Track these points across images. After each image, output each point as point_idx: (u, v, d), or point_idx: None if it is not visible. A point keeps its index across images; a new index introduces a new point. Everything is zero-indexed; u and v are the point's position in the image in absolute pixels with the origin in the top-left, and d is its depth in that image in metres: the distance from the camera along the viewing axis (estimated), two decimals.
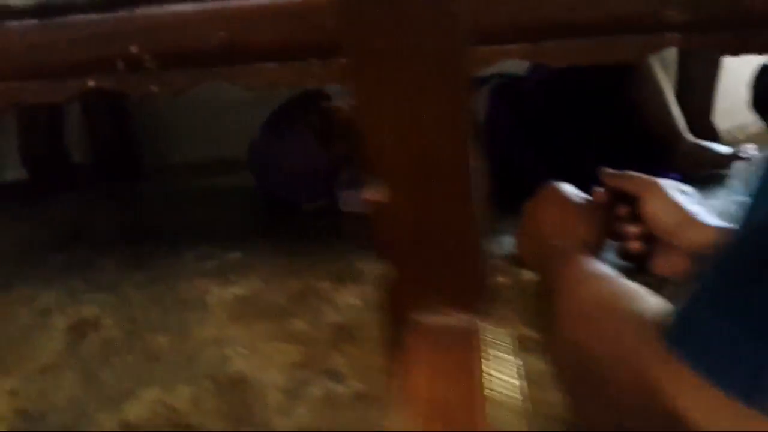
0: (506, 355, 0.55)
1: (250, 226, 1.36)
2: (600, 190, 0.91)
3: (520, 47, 0.80)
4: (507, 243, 1.10)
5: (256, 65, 0.82)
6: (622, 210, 0.86)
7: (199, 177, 1.74)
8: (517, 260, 1.00)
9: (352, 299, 0.94)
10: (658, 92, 1.32)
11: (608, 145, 1.30)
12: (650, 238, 0.82)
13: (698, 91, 1.49)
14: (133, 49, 0.81)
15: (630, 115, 1.37)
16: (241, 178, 1.65)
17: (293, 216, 1.37)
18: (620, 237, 0.86)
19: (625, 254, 0.86)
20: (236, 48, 0.81)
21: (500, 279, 0.97)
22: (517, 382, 0.53)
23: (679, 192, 0.80)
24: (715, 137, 1.44)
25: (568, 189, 0.89)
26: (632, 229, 0.84)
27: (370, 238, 0.51)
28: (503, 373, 0.53)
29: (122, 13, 0.81)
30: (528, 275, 0.96)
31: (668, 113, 1.33)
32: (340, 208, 1.37)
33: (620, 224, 0.86)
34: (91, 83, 0.85)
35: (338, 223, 1.31)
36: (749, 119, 1.68)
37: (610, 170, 0.88)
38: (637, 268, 0.82)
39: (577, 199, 0.88)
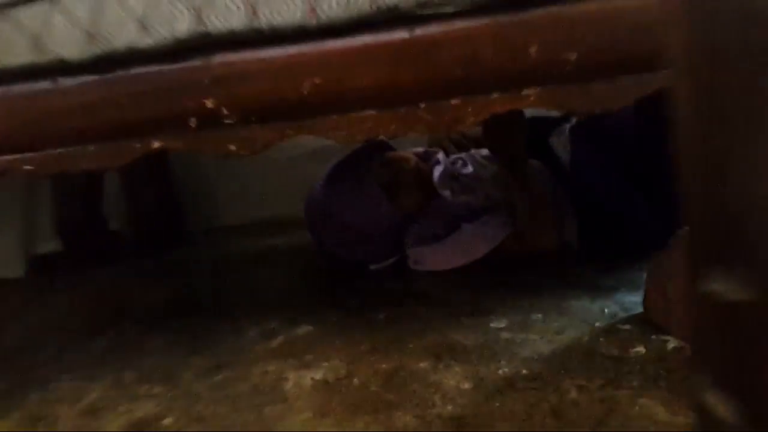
0: None
1: (313, 292, 1.22)
2: None
3: None
4: (627, 301, 0.96)
5: (353, 115, 0.70)
6: None
7: (247, 239, 1.61)
8: (651, 323, 0.86)
9: (461, 382, 0.79)
10: None
11: None
12: None
13: None
14: (209, 103, 0.70)
15: None
16: (294, 238, 1.54)
17: (359, 278, 1.24)
18: None
19: None
20: (330, 95, 0.69)
21: (637, 348, 0.82)
22: None
23: None
24: None
25: None
26: None
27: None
28: None
29: (195, 62, 0.70)
30: (672, 343, 0.82)
31: None
32: (410, 266, 1.24)
33: None
34: (156, 144, 0.73)
35: (414, 285, 1.17)
36: None
37: None
38: None
39: None
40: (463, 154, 1.36)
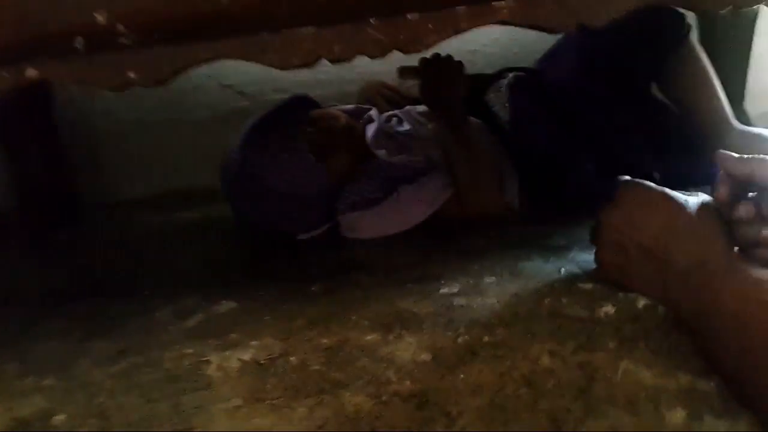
0: None
1: (234, 267, 1.07)
2: (721, 185, 0.72)
3: None
4: (582, 260, 0.88)
5: (287, 32, 0.57)
6: (747, 209, 0.66)
7: (152, 213, 1.43)
8: (605, 279, 0.78)
9: (416, 354, 0.68)
10: (703, 76, 1.16)
11: (648, 134, 1.14)
12: None
13: (729, 77, 1.33)
14: (100, 17, 0.54)
15: (670, 100, 1.20)
16: (207, 211, 1.38)
17: (288, 249, 1.10)
18: (749, 244, 0.66)
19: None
20: (257, 6, 0.55)
21: (605, 308, 0.74)
22: None
23: None
24: (749, 124, 1.28)
25: (665, 189, 0.72)
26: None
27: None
28: None
29: None
30: (641, 301, 0.74)
31: (715, 98, 1.16)
32: (343, 234, 1.12)
33: (746, 227, 0.66)
34: (31, 72, 0.56)
35: (350, 253, 1.05)
36: None
37: (729, 154, 0.68)
38: None
39: (687, 201, 0.69)
40: (398, 111, 1.24)
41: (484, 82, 1.26)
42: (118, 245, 1.27)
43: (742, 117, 1.28)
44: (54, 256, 1.23)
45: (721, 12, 0.64)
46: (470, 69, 1.33)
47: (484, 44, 1.57)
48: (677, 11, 1.12)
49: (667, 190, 0.73)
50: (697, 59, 1.15)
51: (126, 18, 0.54)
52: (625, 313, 0.73)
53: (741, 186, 0.66)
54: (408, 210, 1.09)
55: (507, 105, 1.20)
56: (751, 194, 0.67)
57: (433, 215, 1.09)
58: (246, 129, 1.12)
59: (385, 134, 1.16)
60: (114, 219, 1.43)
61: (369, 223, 1.09)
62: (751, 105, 1.35)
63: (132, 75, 0.56)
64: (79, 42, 0.54)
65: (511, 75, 1.23)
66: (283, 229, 1.12)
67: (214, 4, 0.54)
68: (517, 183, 1.14)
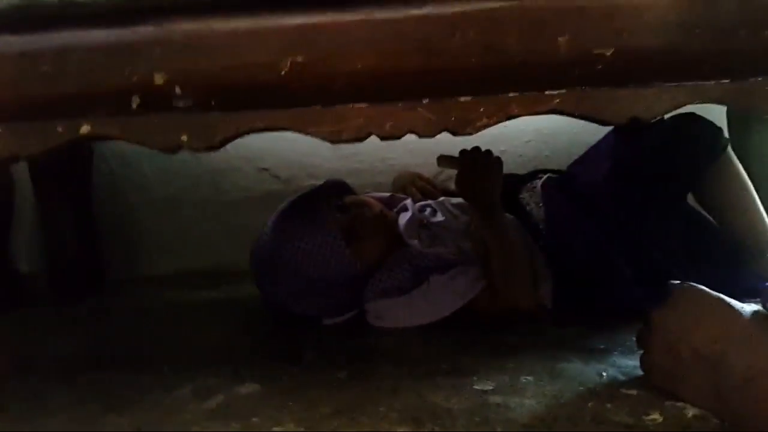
0: None
1: (259, 348, 1.03)
2: None
3: None
4: (624, 364, 0.84)
5: (341, 107, 0.57)
6: None
7: (178, 290, 1.41)
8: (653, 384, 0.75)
9: None
10: (740, 190, 1.14)
11: (685, 243, 1.11)
12: None
13: (762, 185, 1.31)
14: (158, 78, 0.55)
15: (706, 211, 1.18)
16: (234, 291, 1.36)
17: (313, 334, 1.06)
18: None
19: None
20: (314, 80, 0.55)
21: (653, 416, 0.69)
22: None
23: None
24: None
25: (721, 295, 0.70)
26: None
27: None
28: None
29: (145, 27, 0.55)
30: (690, 410, 0.69)
31: (753, 212, 1.14)
32: (370, 322, 1.08)
33: None
34: (86, 127, 0.57)
35: (378, 341, 1.01)
36: None
37: None
38: None
39: (743, 308, 0.67)
40: (432, 202, 1.24)
41: (518, 181, 1.26)
42: (141, 320, 1.24)
43: None
44: (76, 326, 1.20)
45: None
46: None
47: (516, 146, 1.58)
48: (714, 125, 1.12)
49: (724, 296, 0.71)
50: (735, 173, 1.13)
51: (184, 81, 0.55)
52: (673, 422, 0.69)
53: None
54: (438, 301, 1.06)
55: (541, 205, 1.19)
56: None
57: (463, 308, 1.05)
58: (279, 211, 1.12)
59: (419, 223, 1.15)
60: (139, 294, 1.41)
61: (397, 312, 1.06)
62: None
63: (184, 138, 0.56)
64: (135, 101, 0.55)
65: (545, 176, 1.22)
66: (310, 312, 1.09)
67: (272, 73, 0.55)
68: (551, 282, 1.11)
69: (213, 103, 0.56)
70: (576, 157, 1.39)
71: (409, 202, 1.21)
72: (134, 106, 0.55)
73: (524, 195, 1.23)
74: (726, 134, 1.15)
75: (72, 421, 0.77)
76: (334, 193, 1.17)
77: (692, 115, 1.10)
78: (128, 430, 0.75)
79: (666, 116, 1.05)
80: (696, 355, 0.69)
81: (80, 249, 1.39)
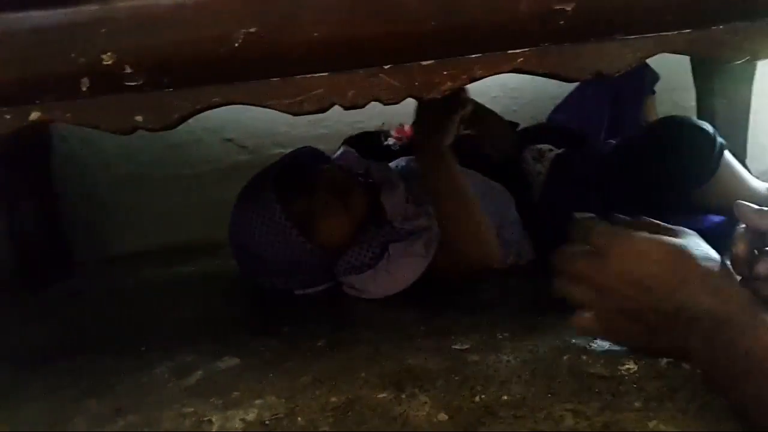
0: None
1: (237, 322, 1.03)
2: (740, 240, 0.69)
3: None
4: None
5: (300, 77, 0.55)
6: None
7: (150, 268, 1.39)
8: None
9: (432, 414, 0.64)
10: (741, 190, 1.10)
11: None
12: None
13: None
14: (107, 58, 0.53)
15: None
16: (208, 265, 1.34)
17: (292, 304, 1.06)
18: None
19: None
20: (270, 51, 0.54)
21: (627, 365, 0.70)
22: None
23: None
24: None
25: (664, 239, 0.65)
26: None
27: None
28: None
29: (90, 6, 0.53)
30: (664, 358, 0.70)
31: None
32: (346, 291, 1.08)
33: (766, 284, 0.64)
34: (35, 114, 0.55)
35: (354, 308, 1.01)
36: None
37: (749, 205, 0.65)
38: None
39: (706, 254, 0.65)
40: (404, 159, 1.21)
41: (522, 137, 1.23)
42: (113, 301, 1.23)
43: None
44: (48, 311, 1.18)
45: (737, 63, 0.63)
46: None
47: (483, 102, 1.57)
48: (710, 136, 1.04)
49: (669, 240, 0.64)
50: (732, 176, 1.07)
51: (133, 59, 0.53)
52: (648, 371, 0.70)
53: (761, 241, 0.64)
54: (400, 269, 1.02)
55: (541, 175, 1.16)
56: None
57: (431, 269, 1.03)
58: (244, 187, 1.09)
59: (404, 204, 1.10)
60: (110, 274, 1.39)
61: (367, 285, 1.04)
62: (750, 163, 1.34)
63: (139, 118, 0.54)
64: (84, 83, 0.53)
65: (555, 152, 1.18)
66: (279, 287, 1.08)
67: (225, 47, 0.53)
68: (528, 242, 1.11)
69: (166, 80, 0.54)
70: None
71: (396, 179, 1.13)
72: (84, 88, 0.53)
73: (527, 156, 1.20)
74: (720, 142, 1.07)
75: (48, 408, 0.77)
76: (306, 161, 1.13)
77: (688, 125, 1.06)
78: (109, 412, 0.74)
79: (660, 120, 1.03)
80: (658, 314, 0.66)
81: (44, 233, 1.35)
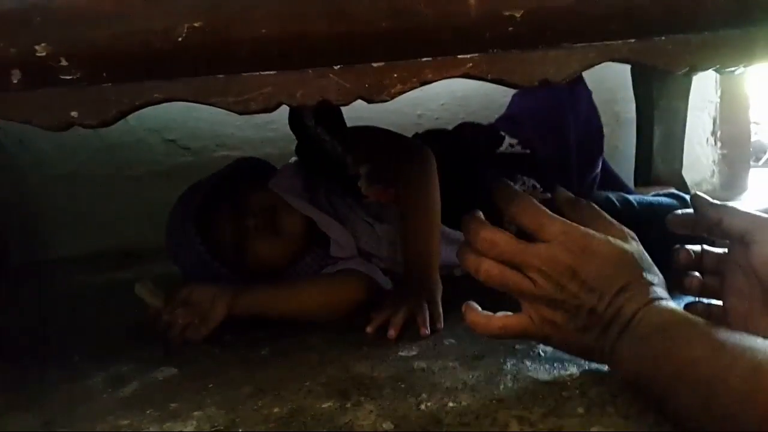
0: None
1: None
2: (686, 248, 0.71)
3: None
4: None
5: (247, 75, 0.54)
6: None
7: (84, 273, 1.34)
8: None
9: (377, 423, 0.63)
10: None
11: None
12: None
13: (667, 145, 1.38)
14: (40, 49, 0.50)
15: None
16: (145, 271, 1.30)
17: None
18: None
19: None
20: (215, 47, 0.52)
21: (570, 371, 0.71)
22: None
23: None
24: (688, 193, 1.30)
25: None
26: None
27: None
28: None
29: None
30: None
31: None
32: None
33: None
34: None
35: None
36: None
37: (706, 197, 0.67)
38: None
39: (649, 264, 0.66)
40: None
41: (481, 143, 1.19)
42: (46, 307, 1.17)
43: (683, 187, 1.32)
44: None
45: (677, 73, 0.65)
46: (418, 129, 1.33)
47: (432, 109, 1.59)
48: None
49: (617, 243, 0.64)
50: None
51: (70, 51, 0.50)
52: (589, 375, 0.71)
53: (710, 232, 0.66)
54: None
55: None
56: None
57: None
58: (174, 205, 1.03)
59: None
60: (42, 278, 1.33)
61: None
62: (686, 173, 1.39)
63: (74, 114, 0.51)
64: (15, 75, 0.49)
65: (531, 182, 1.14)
66: None
67: (167, 41, 0.51)
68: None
69: (104, 74, 0.52)
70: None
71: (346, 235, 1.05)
72: (15, 81, 0.50)
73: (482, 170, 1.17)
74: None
75: None
76: (247, 173, 1.09)
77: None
78: (36, 425, 0.70)
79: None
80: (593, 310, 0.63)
81: None
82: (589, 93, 1.21)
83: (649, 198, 1.11)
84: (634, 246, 0.66)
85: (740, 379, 0.50)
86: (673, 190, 1.17)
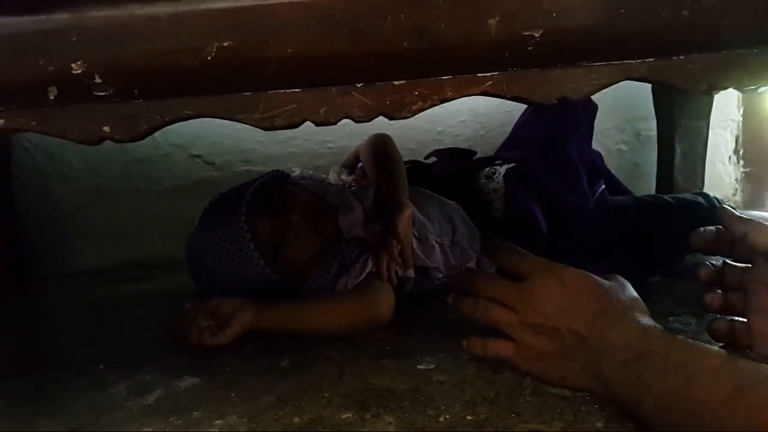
0: None
1: None
2: (707, 264, 0.72)
3: None
4: None
5: (272, 93, 0.55)
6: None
7: (110, 285, 1.36)
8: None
9: None
10: None
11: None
12: None
13: (688, 164, 1.38)
14: (76, 67, 0.52)
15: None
16: (169, 283, 1.32)
17: None
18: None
19: None
20: (243, 65, 0.54)
21: None
22: None
23: None
24: None
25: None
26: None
27: None
28: None
29: (60, 14, 0.52)
30: None
31: None
32: None
33: None
34: None
35: None
36: None
37: (732, 210, 0.68)
38: None
39: (631, 294, 0.69)
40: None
41: (476, 165, 1.26)
42: (72, 317, 1.20)
43: None
44: (1, 327, 1.15)
45: (696, 92, 0.65)
46: (438, 146, 1.37)
47: (452, 126, 1.60)
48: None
49: (595, 276, 0.70)
50: None
51: (104, 69, 0.52)
52: None
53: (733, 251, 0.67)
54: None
55: (501, 195, 1.17)
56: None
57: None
58: (212, 204, 1.08)
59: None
60: (69, 290, 1.36)
61: None
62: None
63: (107, 129, 0.53)
64: (52, 92, 0.52)
65: (505, 166, 1.21)
66: None
67: (197, 59, 0.53)
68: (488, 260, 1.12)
69: (136, 91, 0.54)
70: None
71: (357, 206, 1.11)
72: (51, 97, 0.52)
73: (483, 181, 1.21)
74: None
75: (3, 427, 0.74)
76: (271, 185, 1.12)
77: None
78: (64, 430, 0.72)
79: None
80: (577, 336, 0.67)
81: (2, 246, 1.32)
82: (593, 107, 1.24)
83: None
84: (615, 281, 0.70)
85: (722, 403, 0.50)
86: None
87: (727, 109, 1.60)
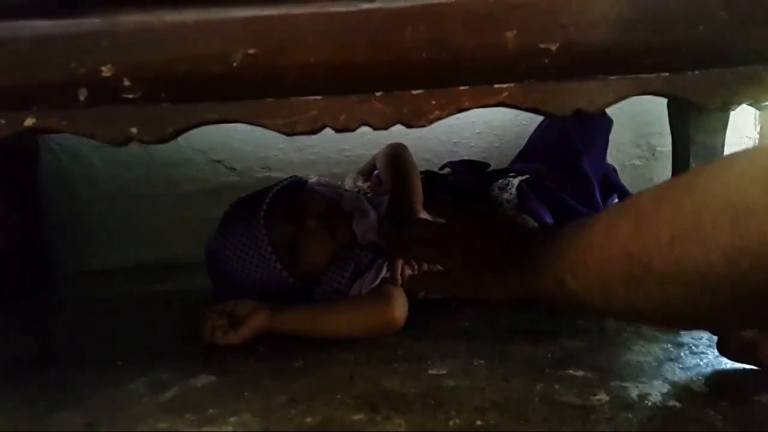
0: None
1: None
2: None
3: None
4: (571, 346, 0.87)
5: (294, 99, 0.57)
6: None
7: (129, 284, 1.39)
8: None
9: None
10: None
11: None
12: None
13: None
14: (106, 70, 0.54)
15: None
16: (186, 283, 1.35)
17: None
18: None
19: None
20: (267, 72, 0.56)
21: (599, 396, 0.72)
22: None
23: None
24: None
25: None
26: None
27: None
28: None
29: (89, 18, 0.54)
30: (634, 390, 0.72)
31: None
32: None
33: None
34: (30, 121, 0.56)
35: None
36: None
37: None
38: None
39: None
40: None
41: (489, 176, 1.27)
42: (92, 314, 1.22)
43: None
44: (23, 322, 1.18)
45: (711, 107, 0.66)
46: (453, 157, 1.38)
47: (467, 137, 1.61)
48: None
49: None
50: None
51: (132, 73, 0.54)
52: (618, 401, 0.72)
53: None
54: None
55: (514, 204, 1.19)
56: None
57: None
58: (229, 207, 1.10)
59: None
60: (89, 288, 1.39)
61: None
62: None
63: (134, 130, 0.55)
64: (82, 93, 0.54)
65: (518, 178, 1.22)
66: None
67: (223, 65, 0.55)
68: None
69: (163, 95, 0.56)
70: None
71: (371, 212, 1.13)
72: (81, 98, 0.55)
73: (496, 192, 1.22)
74: None
75: (19, 420, 0.76)
76: (289, 190, 1.14)
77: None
78: (79, 425, 0.74)
79: None
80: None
81: (26, 244, 1.35)
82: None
83: None
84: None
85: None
86: None
87: (743, 127, 1.60)
